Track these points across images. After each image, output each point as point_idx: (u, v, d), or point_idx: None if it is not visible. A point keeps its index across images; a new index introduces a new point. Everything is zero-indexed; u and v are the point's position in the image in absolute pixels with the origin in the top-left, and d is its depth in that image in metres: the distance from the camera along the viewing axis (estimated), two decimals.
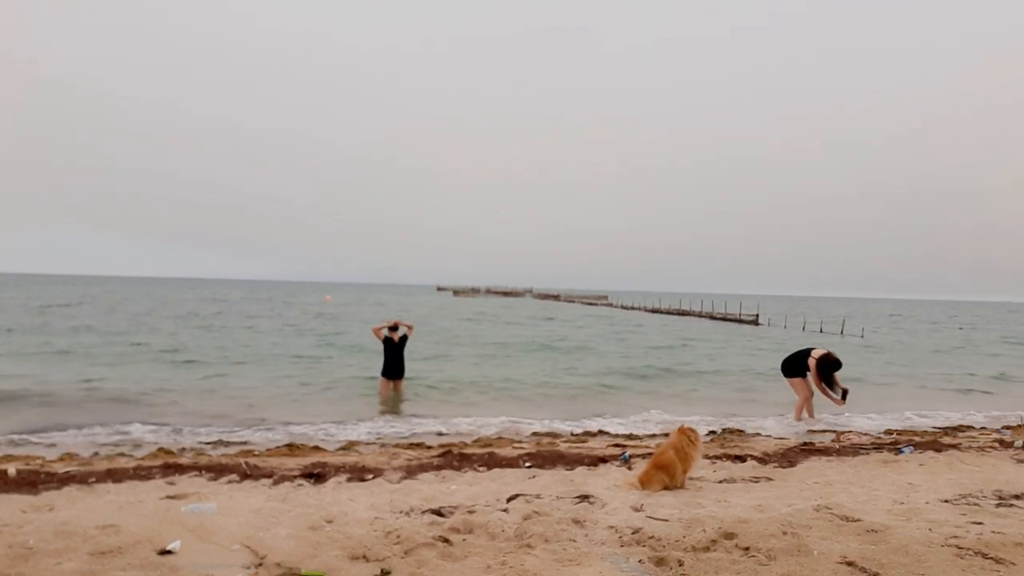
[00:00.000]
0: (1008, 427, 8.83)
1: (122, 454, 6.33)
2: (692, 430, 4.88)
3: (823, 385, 8.96)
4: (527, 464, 5.69)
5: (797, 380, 9.26)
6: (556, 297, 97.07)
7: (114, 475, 5.00)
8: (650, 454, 5.37)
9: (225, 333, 22.61)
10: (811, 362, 9.03)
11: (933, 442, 6.98)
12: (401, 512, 4.02)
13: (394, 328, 10.34)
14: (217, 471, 5.16)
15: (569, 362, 16.42)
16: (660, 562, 3.13)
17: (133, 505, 4.09)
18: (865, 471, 5.48)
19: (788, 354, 9.60)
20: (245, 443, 7.14)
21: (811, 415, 9.26)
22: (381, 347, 10.56)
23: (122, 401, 9.76)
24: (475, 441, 7.38)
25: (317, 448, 6.73)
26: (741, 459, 5.91)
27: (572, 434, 8.05)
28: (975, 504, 4.24)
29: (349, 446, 6.98)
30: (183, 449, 6.67)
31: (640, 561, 3.15)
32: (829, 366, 8.93)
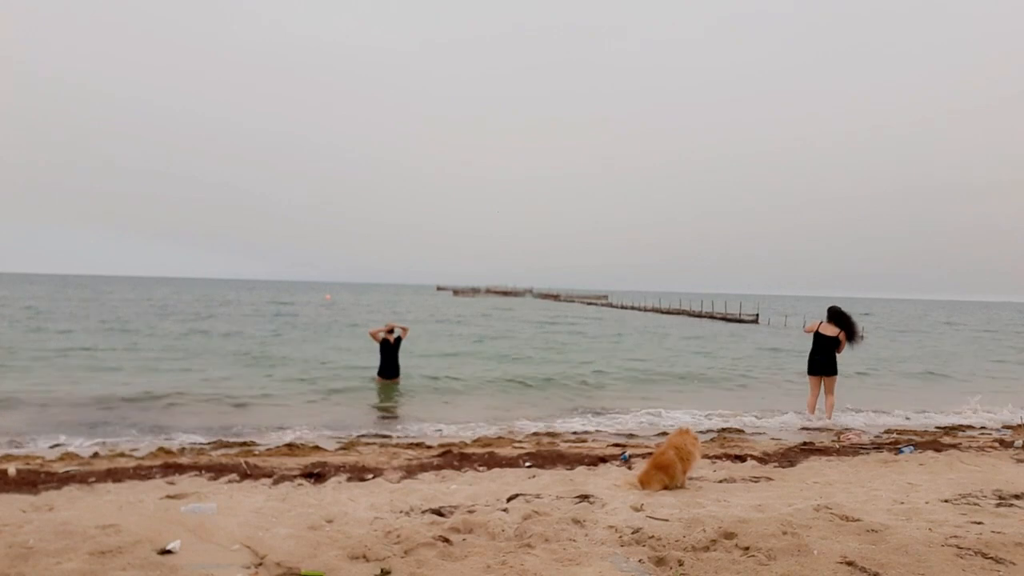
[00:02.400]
0: (1008, 427, 8.83)
1: (122, 454, 6.33)
2: (690, 430, 4.89)
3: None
4: (527, 464, 5.69)
5: (830, 379, 8.89)
6: (556, 297, 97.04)
7: (114, 475, 5.00)
8: (650, 454, 5.37)
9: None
10: (841, 335, 8.72)
11: (933, 442, 6.98)
12: (401, 512, 4.02)
13: (390, 331, 10.91)
14: (217, 471, 5.16)
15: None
16: (660, 562, 3.13)
17: (133, 505, 4.09)
18: (865, 471, 5.48)
19: (815, 354, 8.88)
20: (245, 443, 7.14)
21: (829, 414, 8.94)
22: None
23: (123, 401, 9.77)
24: (475, 441, 7.38)
25: (317, 448, 6.73)
26: (741, 459, 5.92)
27: (572, 433, 8.05)
28: (975, 504, 4.23)
29: (349, 446, 6.98)
30: (183, 449, 6.66)
31: (640, 561, 3.14)
32: (842, 317, 8.78)
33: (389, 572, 3.00)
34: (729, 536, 3.40)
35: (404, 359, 11.24)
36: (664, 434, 7.67)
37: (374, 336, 10.87)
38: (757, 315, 44.18)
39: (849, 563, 3.05)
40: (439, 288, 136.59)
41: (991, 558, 3.11)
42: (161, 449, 6.55)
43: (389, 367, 10.76)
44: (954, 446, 6.69)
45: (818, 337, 8.89)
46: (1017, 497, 4.41)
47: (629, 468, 5.50)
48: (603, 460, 5.83)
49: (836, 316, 8.89)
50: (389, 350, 10.71)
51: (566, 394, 11.66)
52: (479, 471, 5.40)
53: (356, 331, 24.49)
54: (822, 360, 8.84)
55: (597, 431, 8.33)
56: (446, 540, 3.41)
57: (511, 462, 5.75)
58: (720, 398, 11.62)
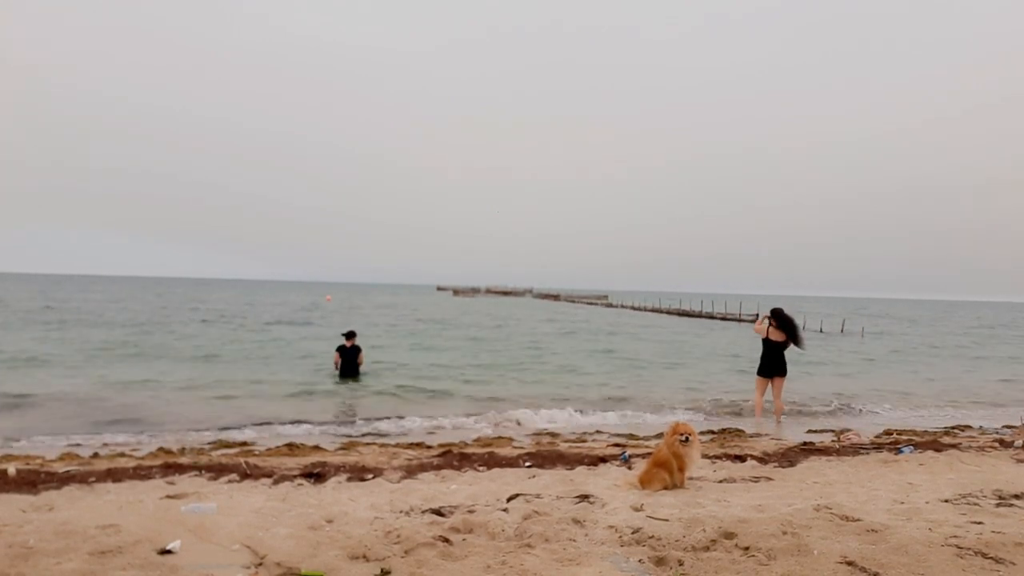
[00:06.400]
0: (1008, 427, 8.83)
1: (122, 454, 6.33)
2: (687, 426, 4.80)
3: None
4: (527, 464, 5.69)
5: (779, 379, 9.07)
6: (556, 297, 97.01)
7: (114, 475, 5.00)
8: (650, 454, 5.36)
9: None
10: (775, 334, 8.92)
11: (933, 442, 6.97)
12: (401, 512, 4.02)
13: (350, 336, 12.65)
14: (217, 471, 5.16)
15: None
16: (660, 562, 3.13)
17: (133, 505, 4.09)
18: (865, 471, 5.48)
19: (767, 357, 9.03)
20: (245, 443, 7.14)
21: (779, 418, 9.10)
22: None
23: (122, 401, 9.77)
24: (475, 440, 7.38)
25: (317, 448, 6.73)
26: (741, 459, 5.91)
27: (572, 433, 8.06)
28: (975, 504, 4.23)
29: (349, 446, 6.98)
30: (183, 449, 6.66)
31: (640, 561, 3.14)
32: (788, 323, 8.92)
33: (389, 572, 3.00)
34: (729, 536, 3.40)
35: None
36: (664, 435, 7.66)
37: (335, 363, 12.80)
38: (757, 315, 44.06)
39: (849, 563, 3.05)
40: (439, 288, 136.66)
41: (991, 558, 3.10)
42: (161, 449, 6.56)
43: (349, 369, 12.56)
44: (954, 446, 6.68)
45: (768, 343, 9.04)
46: (1017, 497, 4.41)
47: (629, 468, 5.50)
48: (603, 460, 5.83)
49: (783, 322, 8.98)
50: (347, 354, 12.54)
51: None
52: (479, 471, 5.40)
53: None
54: (773, 362, 9.01)
55: (597, 431, 8.33)
56: (446, 540, 3.41)
57: (511, 462, 5.74)
58: None
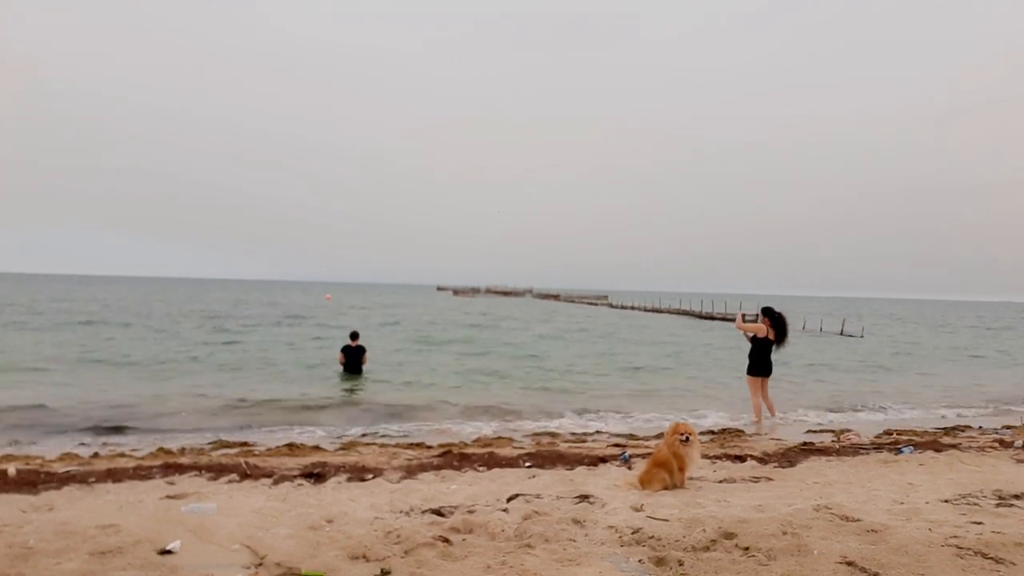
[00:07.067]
0: (1008, 427, 8.83)
1: (122, 454, 6.33)
2: (687, 426, 4.80)
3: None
4: (527, 464, 5.69)
5: (768, 379, 9.13)
6: (556, 297, 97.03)
7: (114, 475, 5.00)
8: (650, 454, 5.36)
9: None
10: (771, 333, 8.96)
11: (933, 442, 6.97)
12: (401, 512, 4.02)
13: (354, 336, 13.31)
14: (217, 471, 5.16)
15: None
16: (660, 562, 3.13)
17: (133, 505, 4.09)
18: (865, 471, 5.48)
19: (762, 356, 9.01)
20: (245, 443, 7.14)
21: (774, 412, 9.21)
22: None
23: (121, 403, 9.77)
24: (475, 441, 7.38)
25: (317, 448, 6.73)
26: (741, 459, 5.91)
27: (572, 433, 8.06)
28: (975, 504, 4.23)
29: (349, 446, 6.98)
30: (183, 449, 6.66)
31: (640, 561, 3.14)
32: (780, 322, 8.97)
33: (389, 572, 3.00)
34: (729, 536, 3.40)
35: None
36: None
37: (340, 358, 13.28)
38: (757, 315, 44.05)
39: (849, 563, 3.05)
40: (439, 288, 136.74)
41: (991, 558, 3.10)
42: (161, 449, 6.56)
43: (353, 368, 13.09)
44: (954, 446, 6.68)
45: (764, 342, 9.06)
46: (1017, 497, 4.41)
47: (629, 468, 5.50)
48: (603, 460, 5.83)
49: (777, 321, 9.02)
50: (351, 353, 13.09)
51: None
52: (479, 471, 5.40)
53: None
54: (767, 362, 9.05)
55: (597, 431, 8.33)
56: (446, 540, 3.41)
57: (511, 462, 5.75)
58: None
